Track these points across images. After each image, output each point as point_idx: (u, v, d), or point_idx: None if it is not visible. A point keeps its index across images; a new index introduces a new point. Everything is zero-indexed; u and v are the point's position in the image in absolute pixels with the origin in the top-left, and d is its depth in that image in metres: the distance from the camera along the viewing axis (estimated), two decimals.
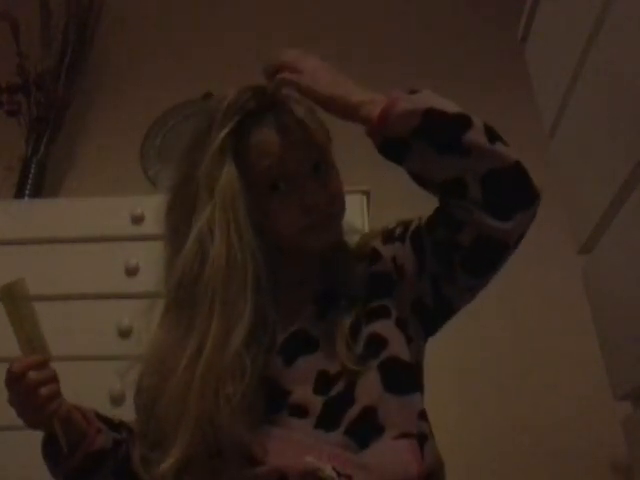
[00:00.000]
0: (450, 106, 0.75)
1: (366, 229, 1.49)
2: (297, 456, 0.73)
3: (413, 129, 0.73)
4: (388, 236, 0.90)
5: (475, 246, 0.76)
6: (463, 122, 0.73)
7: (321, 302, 0.86)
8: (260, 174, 0.81)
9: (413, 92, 0.77)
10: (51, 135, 2.01)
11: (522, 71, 1.33)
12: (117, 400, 1.32)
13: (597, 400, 1.51)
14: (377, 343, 0.81)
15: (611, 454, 1.56)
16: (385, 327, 0.82)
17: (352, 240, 0.96)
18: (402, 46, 2.19)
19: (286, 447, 0.75)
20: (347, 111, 0.78)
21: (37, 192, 1.94)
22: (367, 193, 1.60)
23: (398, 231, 0.89)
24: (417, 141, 0.73)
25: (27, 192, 1.92)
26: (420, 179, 0.79)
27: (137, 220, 1.55)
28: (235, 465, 0.74)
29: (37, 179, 1.95)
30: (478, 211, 0.73)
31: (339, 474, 0.71)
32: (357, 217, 1.52)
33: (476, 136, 0.73)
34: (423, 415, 0.80)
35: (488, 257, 0.78)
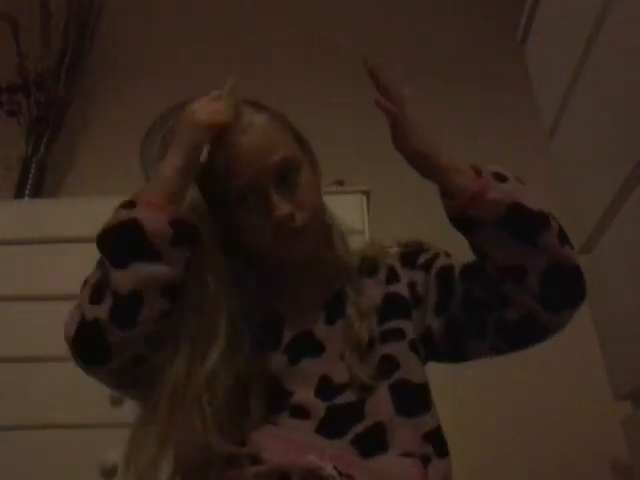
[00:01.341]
0: (533, 201, 0.77)
1: (366, 229, 1.49)
2: (298, 455, 0.73)
3: (496, 218, 0.75)
4: (409, 260, 0.90)
5: (517, 324, 0.78)
6: (543, 222, 0.76)
7: (330, 307, 0.86)
8: (227, 190, 0.80)
9: (500, 176, 0.77)
10: (51, 135, 2.01)
11: (522, 71, 1.33)
12: (117, 401, 1.32)
13: (597, 400, 1.51)
14: (389, 364, 0.81)
15: (611, 454, 1.56)
16: (398, 349, 0.82)
17: (352, 241, 0.95)
18: (402, 46, 2.20)
19: (287, 446, 0.75)
20: (431, 172, 0.78)
21: (37, 192, 1.94)
22: (367, 193, 1.60)
23: (421, 259, 0.89)
24: (495, 227, 0.75)
25: (27, 192, 1.92)
26: (481, 253, 0.80)
27: None
28: (236, 464, 0.74)
29: (37, 179, 1.95)
30: (530, 298, 0.76)
31: (340, 474, 0.71)
32: (357, 217, 1.51)
33: (551, 237, 0.75)
34: (428, 437, 0.79)
35: (526, 335, 0.81)
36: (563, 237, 0.77)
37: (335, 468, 0.71)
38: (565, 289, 0.77)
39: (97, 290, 0.73)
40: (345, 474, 0.71)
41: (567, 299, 0.78)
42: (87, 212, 1.64)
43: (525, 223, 0.75)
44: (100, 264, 0.75)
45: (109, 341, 0.71)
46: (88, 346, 0.73)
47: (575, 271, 0.77)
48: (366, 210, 1.58)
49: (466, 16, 2.25)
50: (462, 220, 0.77)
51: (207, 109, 0.79)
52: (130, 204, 0.74)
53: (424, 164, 0.78)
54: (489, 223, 0.75)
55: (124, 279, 0.71)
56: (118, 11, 2.23)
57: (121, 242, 0.73)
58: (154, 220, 0.72)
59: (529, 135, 1.93)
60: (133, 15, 2.29)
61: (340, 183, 1.73)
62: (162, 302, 0.73)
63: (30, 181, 1.94)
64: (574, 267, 0.77)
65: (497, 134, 2.00)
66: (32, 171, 1.95)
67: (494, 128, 2.02)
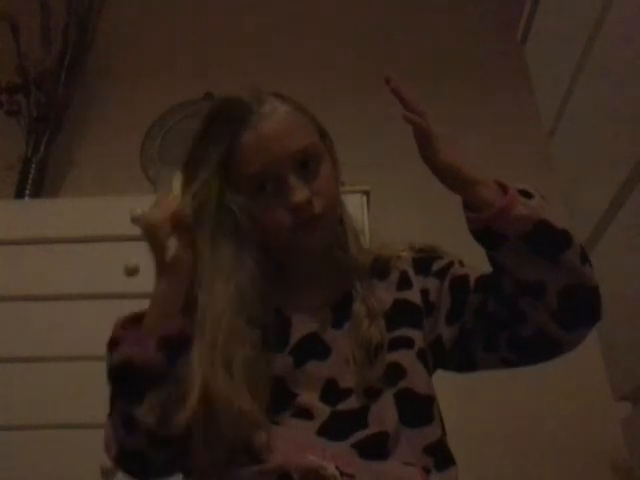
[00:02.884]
0: (556, 220, 0.77)
1: (366, 229, 1.49)
2: (300, 454, 0.73)
3: (522, 233, 0.75)
4: (422, 266, 0.90)
5: (530, 339, 0.79)
6: (566, 240, 0.76)
7: (338, 310, 0.86)
8: (247, 179, 0.81)
9: (526, 193, 0.77)
10: (51, 135, 2.01)
11: (522, 71, 1.33)
12: None
13: (597, 400, 1.51)
14: (396, 372, 0.80)
15: (611, 454, 1.56)
16: (406, 357, 0.82)
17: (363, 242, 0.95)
18: (402, 46, 2.20)
19: (289, 445, 0.75)
20: (459, 185, 0.78)
21: (37, 192, 1.94)
22: (367, 193, 1.60)
23: (435, 267, 0.89)
24: (520, 243, 0.76)
25: (27, 192, 1.92)
26: (501, 267, 0.80)
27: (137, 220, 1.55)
28: (238, 462, 0.74)
29: (37, 179, 1.96)
30: (546, 315, 0.76)
31: (342, 473, 0.71)
32: (357, 217, 1.51)
33: (572, 255, 0.76)
34: (429, 449, 0.79)
35: (538, 351, 0.81)
36: (584, 257, 0.77)
37: (337, 468, 0.71)
38: (582, 308, 0.78)
39: (127, 420, 0.75)
40: (346, 474, 0.71)
41: (583, 318, 0.78)
42: (87, 212, 1.65)
43: (549, 240, 0.75)
44: (120, 393, 0.77)
45: (155, 464, 0.76)
46: (135, 471, 0.78)
47: (593, 291, 0.77)
48: (366, 210, 1.58)
49: (466, 16, 2.25)
50: (486, 234, 0.77)
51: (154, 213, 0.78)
52: (115, 341, 0.76)
53: (453, 177, 0.78)
54: (514, 238, 0.75)
55: (146, 412, 0.74)
56: (118, 11, 2.23)
57: (124, 383, 0.76)
58: (142, 353, 0.74)
59: (529, 135, 1.93)
60: (133, 15, 2.29)
61: (340, 183, 1.73)
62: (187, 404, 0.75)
63: (30, 181, 1.94)
64: (592, 287, 0.77)
65: (497, 134, 2.00)
66: (32, 171, 1.95)
67: (494, 128, 2.02)
